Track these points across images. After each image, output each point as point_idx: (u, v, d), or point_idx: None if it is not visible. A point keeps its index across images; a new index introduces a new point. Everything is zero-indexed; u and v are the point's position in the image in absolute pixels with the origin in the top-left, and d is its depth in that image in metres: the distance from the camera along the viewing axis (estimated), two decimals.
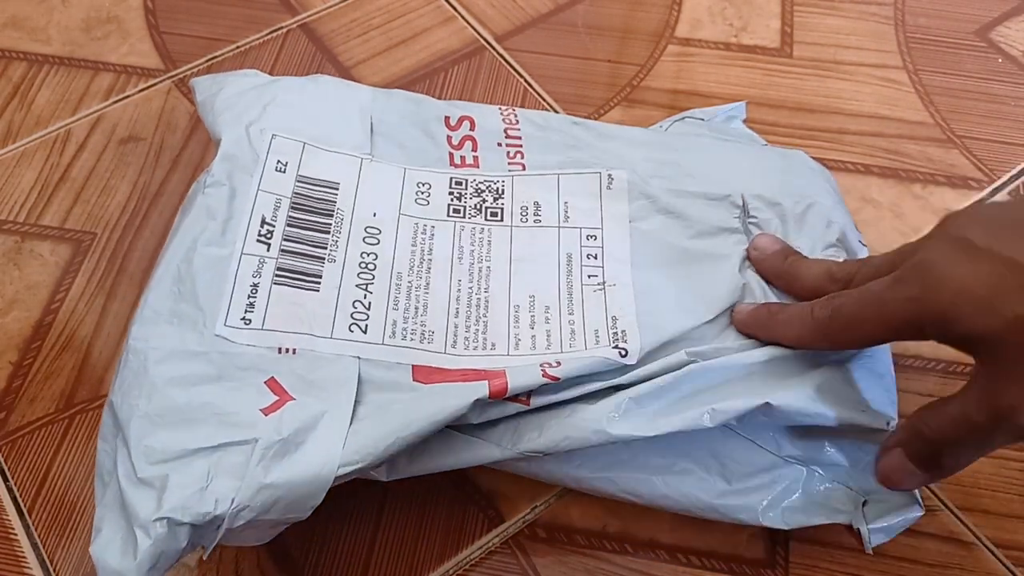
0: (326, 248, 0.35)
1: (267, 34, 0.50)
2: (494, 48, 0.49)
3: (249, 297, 0.33)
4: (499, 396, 0.31)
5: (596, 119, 0.46)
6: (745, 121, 0.46)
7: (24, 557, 0.34)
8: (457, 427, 0.31)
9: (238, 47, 0.49)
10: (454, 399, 0.30)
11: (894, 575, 0.34)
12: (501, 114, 0.39)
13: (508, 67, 0.49)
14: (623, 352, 0.33)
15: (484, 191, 0.37)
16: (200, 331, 0.32)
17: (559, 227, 0.37)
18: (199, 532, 0.28)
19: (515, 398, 0.31)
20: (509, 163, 0.38)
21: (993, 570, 0.34)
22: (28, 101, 0.47)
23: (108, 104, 0.47)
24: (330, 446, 0.29)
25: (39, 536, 0.35)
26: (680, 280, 0.35)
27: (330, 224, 0.35)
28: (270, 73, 0.42)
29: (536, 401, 0.32)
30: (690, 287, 0.35)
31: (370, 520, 0.35)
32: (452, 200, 0.37)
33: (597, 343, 0.33)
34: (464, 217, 0.37)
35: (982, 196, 0.44)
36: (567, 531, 0.35)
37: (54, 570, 0.34)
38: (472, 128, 0.39)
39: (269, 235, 0.35)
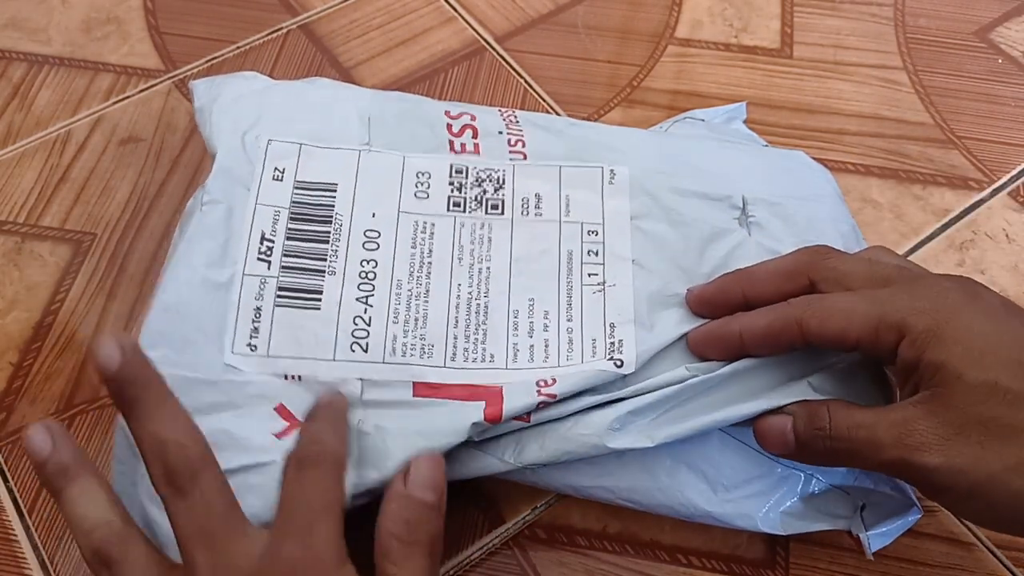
0: (326, 259, 0.35)
1: (267, 35, 0.50)
2: (494, 49, 0.49)
3: (253, 322, 0.33)
4: (495, 422, 0.31)
5: (596, 120, 0.46)
6: (745, 122, 0.46)
7: (24, 558, 0.34)
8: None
9: (238, 48, 0.49)
10: (452, 423, 0.31)
11: None
12: (501, 115, 0.39)
13: (508, 68, 0.49)
14: (619, 363, 0.33)
15: (485, 180, 0.37)
16: (207, 359, 0.32)
17: (560, 221, 0.37)
18: None
19: (517, 416, 0.32)
20: (511, 151, 0.38)
21: (993, 570, 0.34)
22: (28, 102, 0.47)
23: (108, 105, 0.47)
24: None
25: (39, 537, 0.34)
26: (680, 282, 0.35)
27: (329, 232, 0.35)
28: (270, 74, 0.42)
29: (536, 418, 0.32)
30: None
31: (370, 520, 0.35)
32: (452, 192, 0.37)
33: (594, 355, 0.33)
34: (464, 211, 0.36)
35: (982, 196, 0.44)
36: (567, 532, 0.35)
37: (54, 571, 0.34)
38: (473, 120, 0.39)
39: (269, 252, 0.34)
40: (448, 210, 0.36)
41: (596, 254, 0.36)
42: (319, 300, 0.34)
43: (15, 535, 0.35)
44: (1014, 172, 0.45)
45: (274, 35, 0.50)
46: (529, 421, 0.32)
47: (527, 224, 0.37)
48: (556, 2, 0.52)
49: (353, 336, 0.33)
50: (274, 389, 0.32)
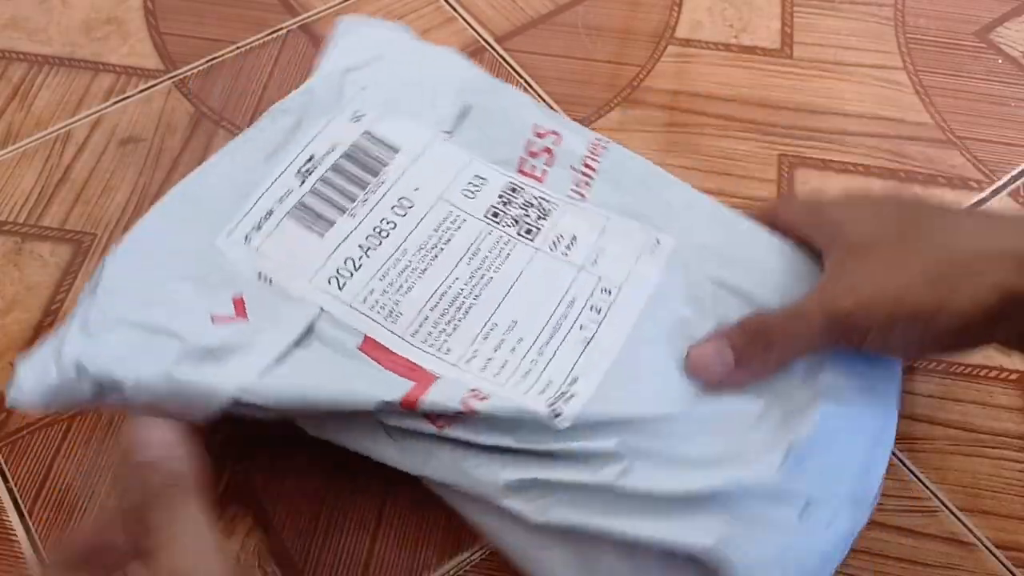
0: (354, 201, 0.36)
1: (267, 35, 0.50)
2: (494, 49, 0.49)
3: (261, 220, 0.35)
4: (409, 407, 0.30)
5: (596, 119, 0.46)
6: (744, 122, 0.46)
7: (24, 558, 0.34)
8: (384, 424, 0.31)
9: (238, 48, 0.49)
10: (365, 388, 0.30)
11: None
12: (588, 141, 0.38)
13: (508, 68, 0.49)
14: (557, 413, 0.30)
15: (532, 206, 0.36)
16: (200, 238, 0.34)
17: (580, 268, 0.35)
18: (101, 390, 0.31)
19: (433, 418, 0.30)
20: (571, 190, 0.37)
21: (993, 571, 0.34)
22: (28, 102, 0.47)
23: (108, 105, 0.47)
24: (243, 373, 0.30)
25: (39, 537, 0.35)
26: (667, 366, 0.33)
27: (369, 182, 0.36)
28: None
29: (449, 432, 0.30)
30: (675, 374, 0.33)
31: (370, 521, 0.35)
32: (497, 204, 0.36)
33: (540, 394, 0.31)
34: (499, 224, 0.36)
35: (982, 196, 0.44)
36: None
37: None
38: (556, 143, 0.38)
39: (309, 172, 0.36)
40: (484, 216, 0.36)
41: (598, 311, 0.34)
42: (326, 230, 0.35)
43: (15, 535, 0.35)
44: (1014, 172, 0.45)
45: (274, 35, 0.50)
46: (441, 430, 0.30)
47: (548, 258, 0.35)
48: (556, 2, 0.52)
49: (337, 272, 0.34)
50: (243, 282, 0.34)
